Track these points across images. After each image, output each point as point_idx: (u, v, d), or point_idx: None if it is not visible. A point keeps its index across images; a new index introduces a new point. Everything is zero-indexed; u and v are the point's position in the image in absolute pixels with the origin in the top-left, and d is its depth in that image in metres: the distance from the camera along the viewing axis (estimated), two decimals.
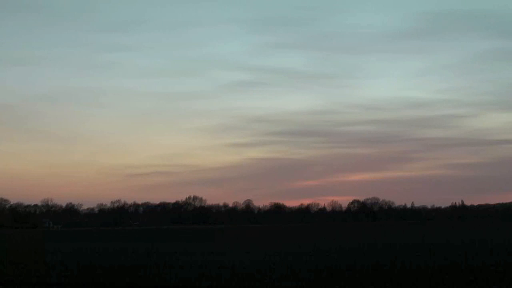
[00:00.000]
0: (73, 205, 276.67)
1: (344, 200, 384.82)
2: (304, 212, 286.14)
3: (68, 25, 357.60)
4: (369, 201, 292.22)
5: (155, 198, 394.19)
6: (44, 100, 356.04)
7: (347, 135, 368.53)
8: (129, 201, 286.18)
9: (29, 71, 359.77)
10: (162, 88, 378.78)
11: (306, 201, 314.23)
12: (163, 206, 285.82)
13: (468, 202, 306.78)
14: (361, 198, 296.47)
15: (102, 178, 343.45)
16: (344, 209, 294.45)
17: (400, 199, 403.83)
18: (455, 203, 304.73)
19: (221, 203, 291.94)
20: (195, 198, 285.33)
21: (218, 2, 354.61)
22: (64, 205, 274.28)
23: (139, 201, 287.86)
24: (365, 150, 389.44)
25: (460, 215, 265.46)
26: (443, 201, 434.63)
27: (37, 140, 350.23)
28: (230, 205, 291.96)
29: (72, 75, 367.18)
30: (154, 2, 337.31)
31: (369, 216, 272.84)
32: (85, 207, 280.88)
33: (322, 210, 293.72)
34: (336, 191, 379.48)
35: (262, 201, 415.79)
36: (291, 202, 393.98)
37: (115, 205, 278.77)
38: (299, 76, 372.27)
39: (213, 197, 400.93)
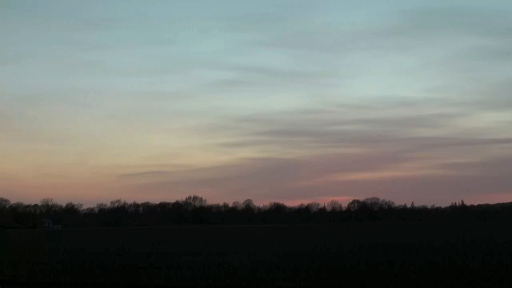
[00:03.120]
0: (73, 205, 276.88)
1: (344, 200, 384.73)
2: (304, 212, 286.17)
3: (52, 24, 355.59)
4: (369, 201, 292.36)
5: (155, 198, 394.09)
6: (31, 100, 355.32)
7: (338, 134, 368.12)
8: (129, 201, 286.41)
9: (14, 71, 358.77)
10: (147, 88, 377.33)
11: (306, 201, 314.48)
12: (163, 206, 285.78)
13: (468, 202, 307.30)
14: (361, 198, 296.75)
15: (96, 179, 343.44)
16: (344, 209, 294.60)
17: (400, 199, 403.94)
18: (455, 203, 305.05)
19: (221, 203, 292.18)
20: (195, 198, 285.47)
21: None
22: (64, 205, 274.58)
23: (139, 201, 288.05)
24: (358, 150, 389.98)
25: (460, 215, 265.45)
26: (443, 201, 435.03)
27: (24, 140, 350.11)
28: (230, 205, 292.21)
29: (57, 75, 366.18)
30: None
31: (369, 216, 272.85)
32: (85, 207, 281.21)
33: (322, 210, 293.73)
34: (336, 191, 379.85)
35: (262, 201, 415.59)
36: (291, 202, 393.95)
37: (115, 205, 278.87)
38: (283, 74, 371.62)
39: (211, 196, 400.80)
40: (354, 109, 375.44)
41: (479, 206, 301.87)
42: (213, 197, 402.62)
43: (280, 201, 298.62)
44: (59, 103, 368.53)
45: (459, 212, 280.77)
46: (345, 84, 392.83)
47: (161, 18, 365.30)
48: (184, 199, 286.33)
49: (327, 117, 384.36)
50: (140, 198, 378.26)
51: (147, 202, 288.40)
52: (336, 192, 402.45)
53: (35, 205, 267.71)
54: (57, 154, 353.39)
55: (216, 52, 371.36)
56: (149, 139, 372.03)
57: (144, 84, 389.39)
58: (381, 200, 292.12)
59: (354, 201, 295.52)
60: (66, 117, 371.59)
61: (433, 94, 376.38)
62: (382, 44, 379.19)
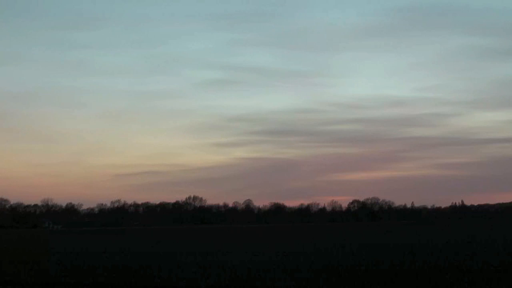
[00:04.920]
0: (73, 205, 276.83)
1: (344, 200, 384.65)
2: (304, 212, 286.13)
3: (44, 23, 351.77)
4: (369, 201, 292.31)
5: (155, 198, 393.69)
6: (25, 100, 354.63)
7: (333, 134, 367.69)
8: (129, 201, 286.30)
9: (10, 70, 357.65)
10: (140, 87, 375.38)
11: (306, 201, 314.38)
12: (163, 206, 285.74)
13: (468, 202, 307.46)
14: (361, 198, 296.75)
15: (94, 179, 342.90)
16: (344, 209, 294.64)
17: (400, 199, 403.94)
18: (455, 203, 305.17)
19: (221, 203, 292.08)
20: (195, 198, 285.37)
21: None
22: (64, 205, 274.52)
23: (139, 201, 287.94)
24: (352, 150, 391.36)
25: (460, 215, 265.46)
26: (443, 201, 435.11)
27: (21, 139, 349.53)
28: (230, 205, 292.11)
29: (52, 74, 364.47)
30: None
31: (369, 216, 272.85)
32: (85, 207, 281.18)
33: (322, 210, 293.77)
34: (336, 191, 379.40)
35: (262, 201, 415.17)
36: (291, 202, 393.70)
37: (115, 205, 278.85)
38: (273, 74, 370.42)
39: (211, 196, 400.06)
40: (346, 109, 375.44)
41: (479, 206, 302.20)
42: (213, 197, 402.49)
43: (280, 201, 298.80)
44: (53, 102, 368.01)
45: (459, 212, 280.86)
46: (337, 83, 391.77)
47: (155, 18, 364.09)
48: (184, 199, 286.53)
49: (320, 117, 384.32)
50: (140, 198, 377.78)
51: (147, 202, 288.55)
52: (336, 192, 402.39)
53: (35, 205, 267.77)
54: (54, 154, 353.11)
55: (211, 51, 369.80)
56: (142, 139, 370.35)
57: (137, 83, 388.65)
58: (381, 200, 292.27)
59: (354, 201, 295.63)
60: (61, 116, 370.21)
61: (426, 94, 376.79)
62: (375, 43, 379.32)
